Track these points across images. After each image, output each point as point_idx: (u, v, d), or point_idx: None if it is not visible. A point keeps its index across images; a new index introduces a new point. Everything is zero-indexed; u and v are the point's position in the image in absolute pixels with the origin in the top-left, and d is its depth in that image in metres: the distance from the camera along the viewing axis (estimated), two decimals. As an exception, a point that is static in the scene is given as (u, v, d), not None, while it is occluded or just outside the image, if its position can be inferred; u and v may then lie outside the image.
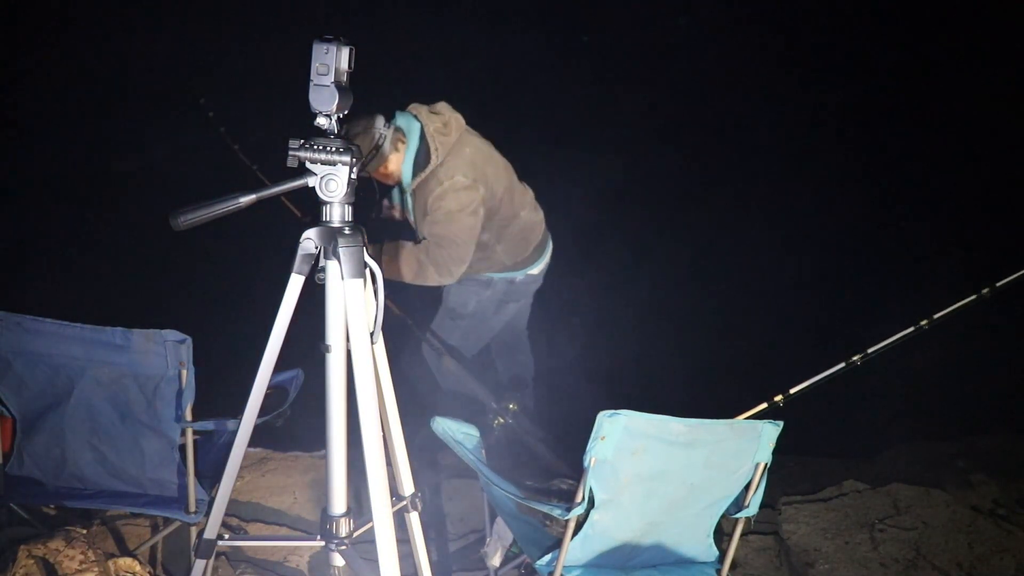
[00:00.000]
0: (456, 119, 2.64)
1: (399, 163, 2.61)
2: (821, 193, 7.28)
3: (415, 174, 2.60)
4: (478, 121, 2.80)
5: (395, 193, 2.89)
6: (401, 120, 2.62)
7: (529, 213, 2.87)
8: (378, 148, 2.52)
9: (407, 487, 1.82)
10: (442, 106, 2.68)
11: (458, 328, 3.04)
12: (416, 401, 3.41)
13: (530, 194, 2.94)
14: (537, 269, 3.02)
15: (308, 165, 1.51)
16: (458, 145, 2.59)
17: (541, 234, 2.98)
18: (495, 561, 2.31)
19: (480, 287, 2.96)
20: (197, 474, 2.18)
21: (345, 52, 1.47)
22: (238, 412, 1.66)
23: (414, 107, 2.67)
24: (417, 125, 2.60)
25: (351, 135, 2.50)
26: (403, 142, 2.60)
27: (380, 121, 2.55)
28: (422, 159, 2.58)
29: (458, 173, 2.55)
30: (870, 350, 2.60)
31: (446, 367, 2.98)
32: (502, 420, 2.69)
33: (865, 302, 5.56)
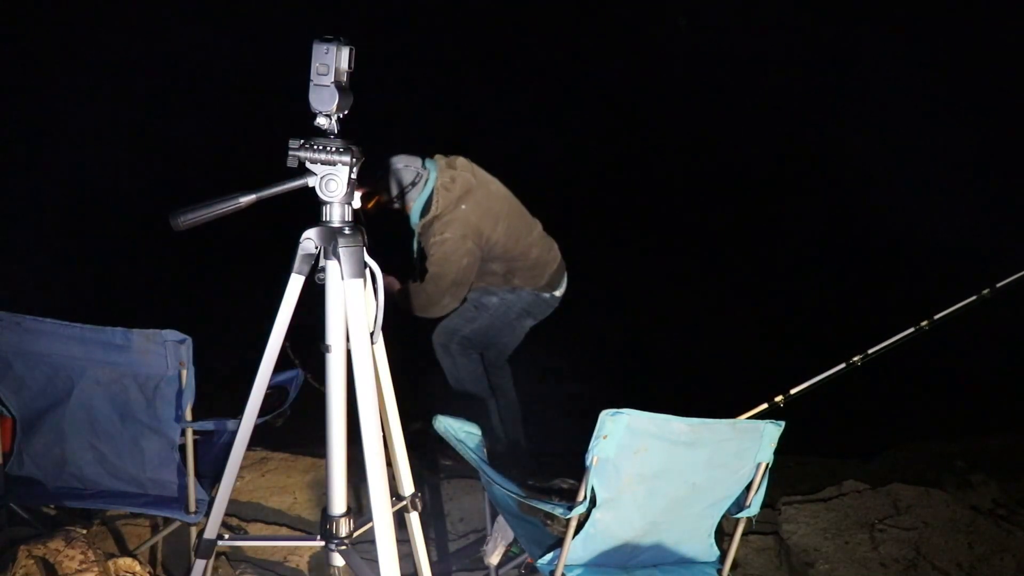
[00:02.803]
0: (463, 178, 2.92)
1: (412, 203, 2.94)
2: (821, 194, 7.29)
3: (421, 217, 2.93)
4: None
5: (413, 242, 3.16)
6: (429, 165, 2.95)
7: (540, 251, 3.13)
8: (414, 184, 2.90)
9: (407, 487, 1.82)
10: (460, 162, 2.99)
11: (477, 319, 3.19)
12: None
13: (538, 229, 3.16)
14: (560, 291, 3.25)
15: (308, 165, 1.50)
16: (457, 201, 2.89)
17: (556, 264, 3.21)
18: (493, 559, 2.31)
19: (507, 291, 3.17)
20: (197, 474, 2.17)
21: (345, 52, 1.47)
22: (238, 412, 1.66)
23: (437, 157, 2.99)
24: (434, 175, 2.92)
25: (394, 166, 2.87)
26: (424, 186, 2.93)
27: (419, 162, 2.92)
28: (427, 207, 2.91)
29: (448, 230, 2.87)
30: (870, 350, 2.60)
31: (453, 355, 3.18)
32: None
33: (865, 302, 5.56)
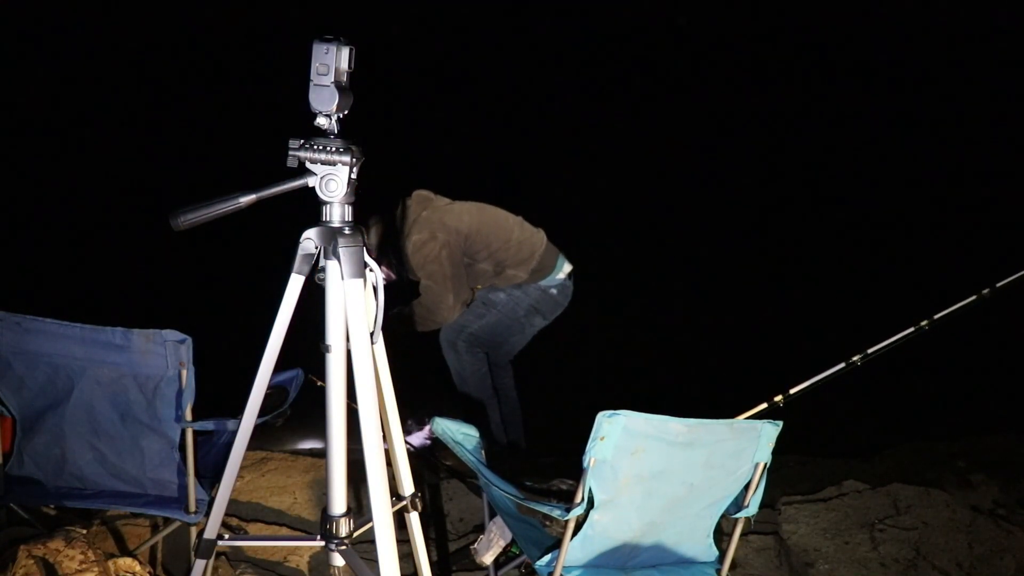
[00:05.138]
0: (417, 195, 3.15)
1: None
2: (821, 194, 7.28)
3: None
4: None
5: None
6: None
7: (520, 232, 3.21)
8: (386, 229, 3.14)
9: (407, 487, 1.82)
10: (415, 192, 3.19)
11: (486, 316, 3.24)
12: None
13: (514, 217, 3.26)
14: (563, 273, 3.27)
15: (308, 165, 1.50)
16: (417, 212, 3.09)
17: (543, 244, 3.24)
18: (486, 559, 2.30)
19: (513, 287, 3.23)
20: (197, 474, 2.17)
21: (345, 52, 1.47)
22: (238, 412, 1.66)
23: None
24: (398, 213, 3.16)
25: (374, 221, 3.13)
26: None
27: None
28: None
29: (414, 235, 3.04)
30: (870, 350, 2.60)
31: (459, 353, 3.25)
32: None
33: (865, 302, 5.56)
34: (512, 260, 3.15)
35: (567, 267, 3.28)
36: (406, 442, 1.82)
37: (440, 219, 3.05)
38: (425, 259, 3.02)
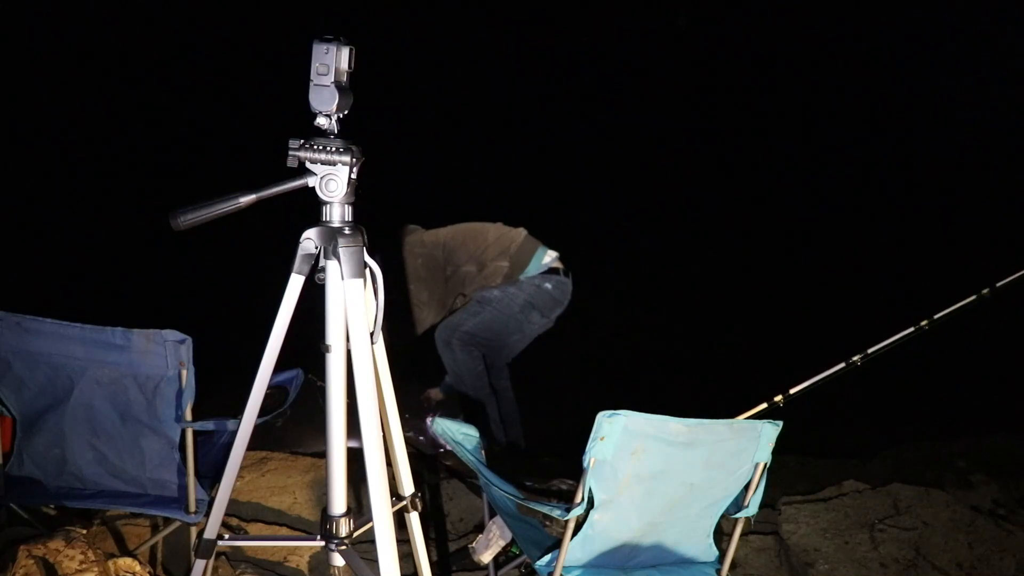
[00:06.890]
0: (404, 230, 3.49)
1: None
2: (822, 194, 7.29)
3: None
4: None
5: None
6: None
7: (496, 232, 3.41)
8: None
9: (407, 487, 1.82)
10: (403, 226, 3.54)
11: (480, 313, 3.28)
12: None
13: (491, 224, 3.46)
14: (548, 258, 3.35)
15: (308, 165, 1.50)
16: (402, 239, 3.45)
17: (522, 236, 3.39)
18: (485, 557, 2.30)
19: (507, 284, 3.31)
20: (197, 474, 2.17)
21: (345, 52, 1.47)
22: (238, 412, 1.66)
23: None
24: None
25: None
26: None
27: None
28: None
29: (402, 254, 3.40)
30: (870, 350, 2.60)
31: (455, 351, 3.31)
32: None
33: (865, 302, 5.56)
34: (492, 254, 3.31)
35: (551, 252, 3.37)
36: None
37: (419, 237, 3.42)
38: (406, 270, 3.32)
